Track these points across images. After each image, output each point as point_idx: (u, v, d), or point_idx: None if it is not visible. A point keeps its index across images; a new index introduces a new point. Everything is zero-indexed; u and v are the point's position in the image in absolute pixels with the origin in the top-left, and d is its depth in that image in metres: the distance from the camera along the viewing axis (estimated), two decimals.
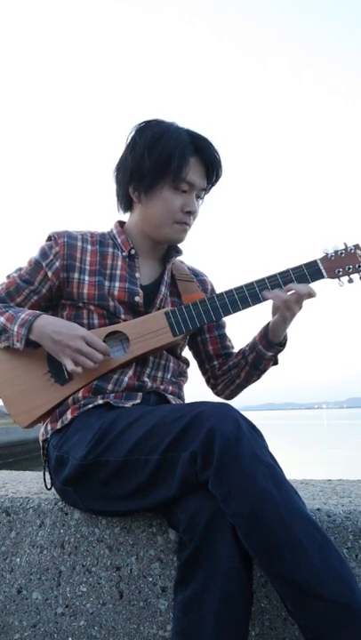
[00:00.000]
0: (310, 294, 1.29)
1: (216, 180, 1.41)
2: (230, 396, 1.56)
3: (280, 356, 1.47)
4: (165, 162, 1.31)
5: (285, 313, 1.31)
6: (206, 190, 1.42)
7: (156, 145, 1.32)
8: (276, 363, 1.48)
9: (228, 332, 1.59)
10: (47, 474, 1.35)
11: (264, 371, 1.48)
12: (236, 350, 1.56)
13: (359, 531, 1.14)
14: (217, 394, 1.59)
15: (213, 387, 1.58)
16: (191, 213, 1.38)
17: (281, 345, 1.41)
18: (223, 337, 1.56)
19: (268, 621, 1.15)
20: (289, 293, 1.29)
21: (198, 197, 1.40)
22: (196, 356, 1.59)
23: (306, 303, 1.32)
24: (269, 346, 1.40)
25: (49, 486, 1.36)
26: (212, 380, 1.57)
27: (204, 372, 1.59)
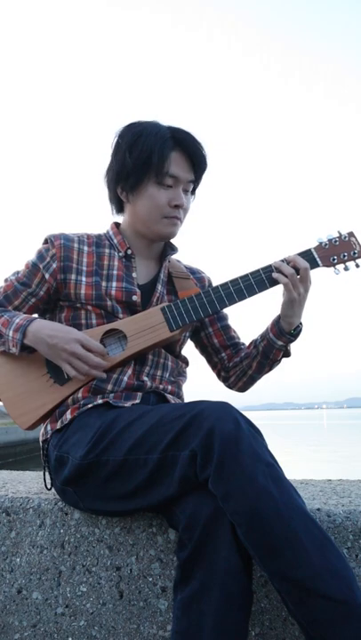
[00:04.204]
0: (308, 267, 1.31)
1: (202, 172, 1.41)
2: (243, 388, 1.56)
3: (293, 347, 1.46)
4: (146, 158, 1.33)
5: (292, 293, 1.31)
6: (195, 183, 1.41)
7: (137, 143, 1.34)
8: (287, 354, 1.47)
9: (233, 324, 1.58)
10: (47, 474, 1.35)
11: (275, 361, 1.46)
12: (245, 342, 1.56)
13: (359, 531, 1.14)
14: (229, 386, 1.58)
15: (225, 379, 1.57)
16: (179, 207, 1.37)
17: (292, 335, 1.40)
18: (227, 328, 1.56)
19: (268, 621, 1.15)
20: (290, 273, 1.30)
21: (186, 191, 1.40)
22: (203, 351, 1.59)
23: (312, 287, 1.33)
24: (280, 334, 1.39)
25: (49, 486, 1.36)
26: (223, 373, 1.57)
27: (213, 366, 1.59)
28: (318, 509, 1.18)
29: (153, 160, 1.32)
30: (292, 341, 1.42)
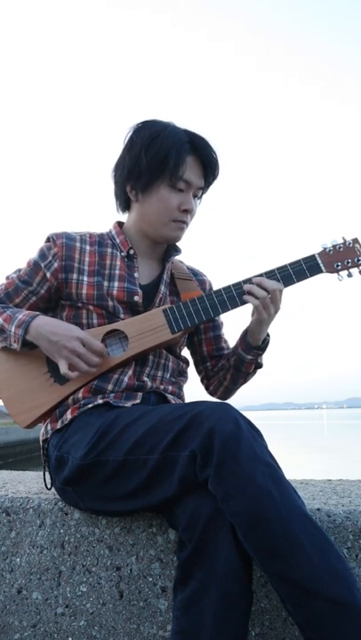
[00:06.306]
0: (280, 290, 1.30)
1: (213, 180, 1.42)
2: (224, 397, 1.57)
3: (265, 359, 1.47)
4: (162, 160, 1.31)
5: (262, 314, 1.31)
6: (203, 189, 1.42)
7: (154, 143, 1.32)
8: (259, 366, 1.48)
9: (227, 332, 1.59)
10: (47, 474, 1.35)
11: (248, 373, 1.48)
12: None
13: (359, 531, 1.14)
14: (211, 394, 1.59)
15: (207, 387, 1.59)
16: (188, 212, 1.38)
17: (260, 349, 1.41)
18: (218, 338, 1.56)
19: (268, 621, 1.15)
20: (261, 293, 1.29)
21: (195, 196, 1.40)
22: (192, 355, 1.60)
23: (283, 304, 1.33)
24: (248, 349, 1.41)
25: (49, 486, 1.36)
26: (206, 380, 1.59)
27: (198, 372, 1.61)
28: (318, 509, 1.18)
29: (169, 162, 1.31)
30: (260, 355, 1.43)
